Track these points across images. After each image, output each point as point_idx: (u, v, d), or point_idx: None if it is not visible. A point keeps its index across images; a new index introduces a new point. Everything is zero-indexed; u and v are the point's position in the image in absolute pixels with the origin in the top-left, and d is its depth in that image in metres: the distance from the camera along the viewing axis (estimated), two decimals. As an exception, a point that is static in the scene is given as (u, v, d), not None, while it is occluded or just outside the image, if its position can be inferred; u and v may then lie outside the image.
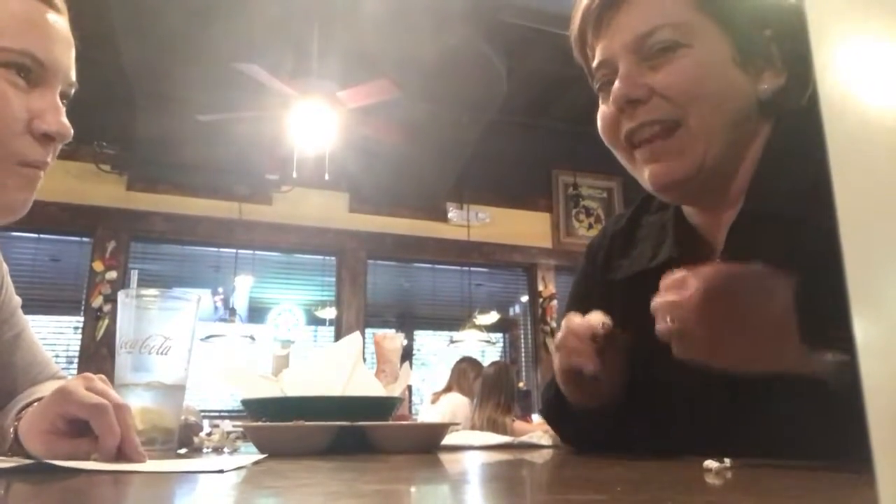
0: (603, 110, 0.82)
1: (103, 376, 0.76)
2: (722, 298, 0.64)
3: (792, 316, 0.61)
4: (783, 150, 0.75)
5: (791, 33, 0.76)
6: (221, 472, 0.60)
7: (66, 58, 0.81)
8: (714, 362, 0.64)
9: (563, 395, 0.88)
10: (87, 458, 0.66)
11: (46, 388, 0.94)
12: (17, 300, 1.05)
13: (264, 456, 0.77)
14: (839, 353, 0.57)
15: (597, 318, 0.80)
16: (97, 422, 0.67)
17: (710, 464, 0.56)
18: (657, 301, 0.69)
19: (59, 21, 0.80)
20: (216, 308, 5.25)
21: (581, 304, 1.03)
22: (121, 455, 0.68)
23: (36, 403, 0.81)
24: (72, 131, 0.79)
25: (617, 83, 0.78)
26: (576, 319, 0.82)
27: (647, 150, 0.78)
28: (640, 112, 0.77)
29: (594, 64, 0.83)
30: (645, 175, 0.80)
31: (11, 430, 0.78)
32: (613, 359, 0.80)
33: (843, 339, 0.55)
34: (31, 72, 0.76)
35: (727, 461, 0.56)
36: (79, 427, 0.70)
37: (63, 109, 0.80)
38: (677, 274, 0.68)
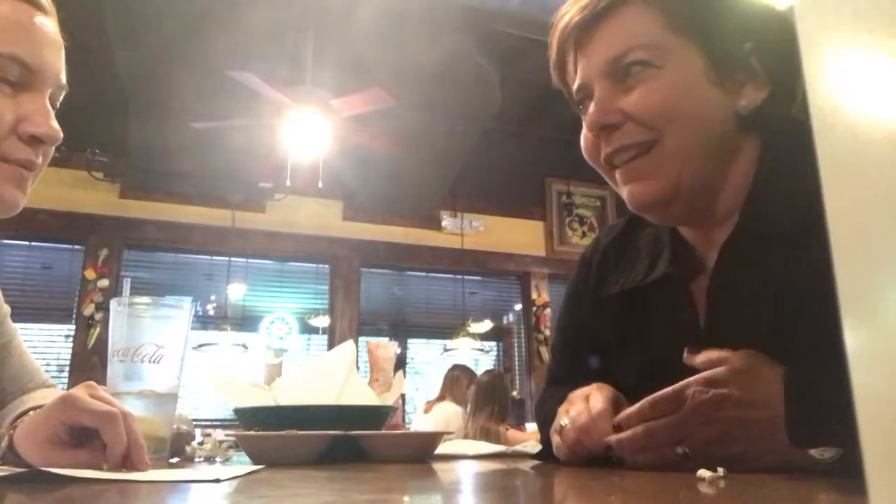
0: (584, 132, 0.83)
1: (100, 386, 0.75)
2: (725, 407, 0.66)
3: (781, 418, 0.63)
4: (777, 167, 0.75)
5: (773, 45, 0.75)
6: (217, 481, 0.60)
7: (56, 60, 0.80)
8: (716, 456, 0.64)
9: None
10: (85, 468, 0.66)
11: (39, 397, 0.94)
12: (7, 309, 1.04)
13: (261, 467, 0.77)
14: (828, 448, 0.58)
15: (605, 423, 0.76)
16: (107, 430, 0.67)
17: (704, 473, 0.56)
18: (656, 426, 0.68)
19: (48, 23, 0.80)
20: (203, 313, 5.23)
21: (573, 318, 1.02)
22: (127, 463, 0.68)
23: (33, 412, 0.80)
24: (61, 134, 0.78)
25: (591, 109, 0.78)
26: (585, 418, 0.78)
27: (624, 171, 0.79)
28: (615, 137, 0.78)
29: (574, 88, 0.83)
30: (625, 195, 0.80)
31: (6, 438, 0.77)
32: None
33: (831, 435, 0.56)
34: (19, 76, 0.75)
35: (720, 470, 0.56)
36: (77, 437, 0.70)
37: (52, 112, 0.79)
38: (666, 393, 0.68)
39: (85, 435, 0.69)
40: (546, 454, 0.97)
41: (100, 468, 0.66)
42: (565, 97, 0.89)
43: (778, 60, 0.75)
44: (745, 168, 0.78)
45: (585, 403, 0.80)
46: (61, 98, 0.83)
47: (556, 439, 0.83)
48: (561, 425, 0.81)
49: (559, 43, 0.84)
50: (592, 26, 0.79)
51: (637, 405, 0.70)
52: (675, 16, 0.75)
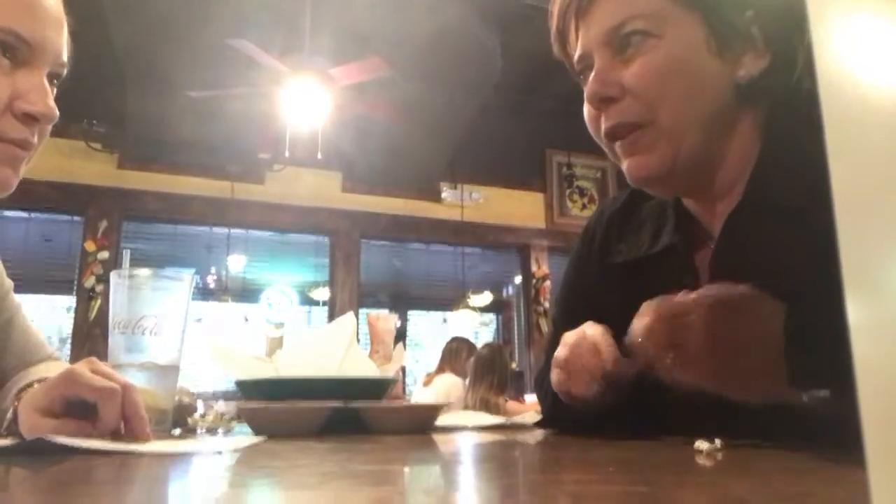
0: (585, 105, 0.82)
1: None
2: (722, 322, 0.65)
3: (780, 350, 0.62)
4: (783, 138, 0.75)
5: (775, 13, 0.74)
6: (220, 453, 0.61)
7: (56, 37, 0.78)
8: (705, 386, 0.64)
9: (562, 404, 0.86)
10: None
11: (44, 370, 0.94)
12: (10, 283, 1.04)
13: (262, 439, 0.77)
14: (822, 390, 0.58)
15: (607, 348, 0.78)
16: (104, 405, 0.68)
17: (701, 445, 0.56)
18: (650, 322, 0.69)
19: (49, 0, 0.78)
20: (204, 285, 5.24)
21: (576, 287, 1.03)
22: (129, 433, 0.69)
23: (37, 384, 0.81)
24: (57, 113, 0.77)
25: (590, 81, 0.78)
26: (584, 344, 0.79)
27: (623, 145, 0.79)
28: (613, 112, 0.77)
29: (574, 58, 0.82)
30: (624, 169, 0.80)
31: (11, 410, 0.78)
32: (620, 382, 0.78)
33: (827, 375, 0.56)
34: (16, 51, 0.74)
35: (718, 442, 0.57)
36: (72, 411, 0.70)
37: (50, 90, 0.77)
38: (678, 297, 0.69)
39: (83, 410, 0.69)
40: (547, 422, 0.99)
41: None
42: (566, 68, 0.88)
43: (779, 29, 0.74)
44: (746, 140, 0.78)
45: (581, 334, 0.82)
46: (63, 75, 0.82)
47: (553, 371, 0.84)
48: (556, 355, 0.83)
49: (560, 13, 0.84)
50: (591, 1, 0.78)
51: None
52: None
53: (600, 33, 0.77)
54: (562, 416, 0.89)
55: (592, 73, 0.78)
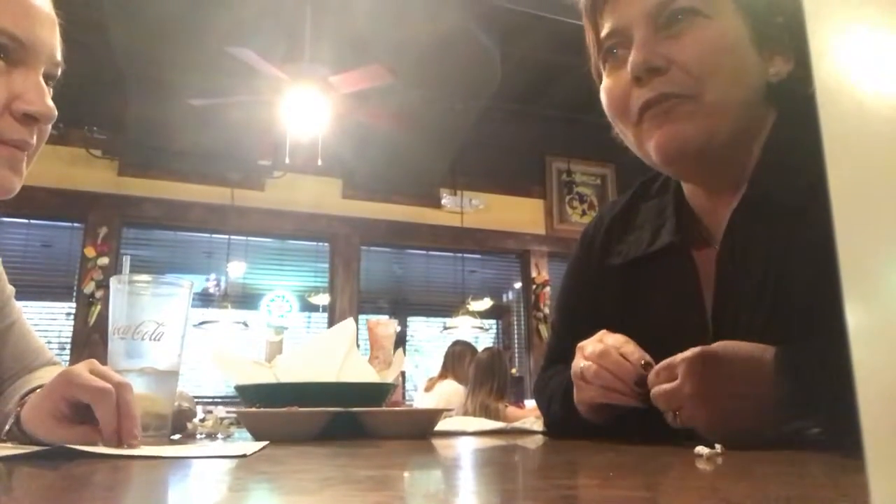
0: (609, 83, 0.80)
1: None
2: (711, 380, 0.67)
3: (772, 390, 0.64)
4: (788, 138, 0.75)
5: (801, 22, 0.75)
6: (244, 456, 0.61)
7: (49, 37, 0.78)
8: (715, 433, 0.64)
9: (571, 411, 0.85)
10: (87, 444, 0.67)
11: (45, 374, 0.94)
12: (11, 289, 1.04)
13: (265, 444, 0.77)
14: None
15: (634, 355, 0.77)
16: (99, 406, 0.68)
17: (701, 449, 0.56)
18: (654, 393, 0.72)
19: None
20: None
21: (575, 291, 1.03)
22: (119, 431, 0.68)
23: (39, 389, 0.81)
24: (55, 112, 0.77)
25: (634, 51, 0.75)
26: (612, 355, 0.78)
27: (657, 113, 0.75)
28: (657, 83, 0.75)
29: (604, 32, 0.80)
30: (652, 144, 0.77)
31: (13, 415, 0.78)
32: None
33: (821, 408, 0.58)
34: (10, 52, 0.73)
35: (718, 447, 0.57)
36: (80, 413, 0.70)
37: (47, 90, 0.77)
38: (664, 364, 0.71)
39: (89, 411, 0.70)
40: (553, 430, 0.99)
41: (96, 444, 0.67)
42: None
43: (804, 38, 0.74)
44: (763, 139, 0.78)
45: (601, 342, 0.79)
46: (58, 75, 0.82)
47: (579, 385, 0.81)
48: (581, 368, 0.80)
49: None
50: None
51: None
52: None
53: (648, 5, 0.75)
54: (573, 425, 0.88)
55: (635, 45, 0.76)
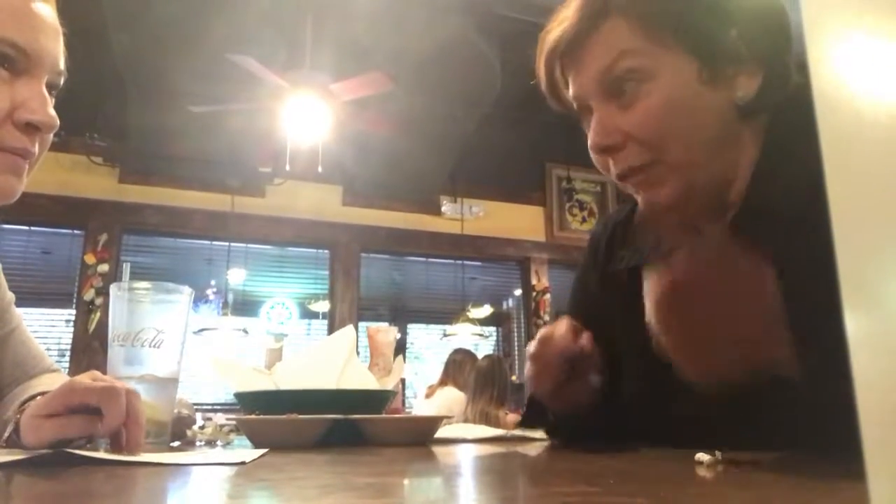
0: (590, 136, 0.82)
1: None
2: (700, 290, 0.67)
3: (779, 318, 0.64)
4: (781, 146, 0.75)
5: (758, 24, 0.74)
6: (243, 463, 0.62)
7: (53, 46, 0.78)
8: (697, 362, 0.64)
9: (537, 403, 0.90)
10: (72, 438, 0.67)
11: (47, 382, 0.95)
12: (11, 296, 1.05)
13: (265, 451, 0.77)
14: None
15: (562, 330, 0.82)
16: (107, 404, 0.68)
17: (702, 456, 0.56)
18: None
19: (45, 9, 0.78)
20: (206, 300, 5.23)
21: (580, 297, 1.03)
22: (126, 437, 0.69)
23: (40, 397, 0.81)
24: (57, 121, 0.77)
25: (591, 131, 0.78)
26: (556, 331, 0.84)
27: (635, 183, 0.79)
28: (619, 158, 0.77)
29: (570, 96, 0.82)
30: (640, 203, 0.81)
31: (13, 422, 0.78)
32: (586, 373, 0.82)
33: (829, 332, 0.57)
34: (14, 61, 0.74)
35: (718, 454, 0.57)
36: (76, 411, 0.70)
37: (49, 99, 0.78)
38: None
39: (86, 412, 0.70)
40: (553, 434, 1.00)
41: (96, 439, 0.67)
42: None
43: (766, 43, 0.73)
44: (754, 150, 0.78)
45: (550, 327, 0.86)
46: (60, 84, 0.82)
47: (527, 368, 0.88)
48: (529, 352, 0.86)
49: (547, 65, 0.83)
50: (577, 44, 0.77)
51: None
52: (656, 25, 0.73)
53: (593, 77, 0.77)
54: (562, 427, 0.90)
55: (592, 123, 0.78)
